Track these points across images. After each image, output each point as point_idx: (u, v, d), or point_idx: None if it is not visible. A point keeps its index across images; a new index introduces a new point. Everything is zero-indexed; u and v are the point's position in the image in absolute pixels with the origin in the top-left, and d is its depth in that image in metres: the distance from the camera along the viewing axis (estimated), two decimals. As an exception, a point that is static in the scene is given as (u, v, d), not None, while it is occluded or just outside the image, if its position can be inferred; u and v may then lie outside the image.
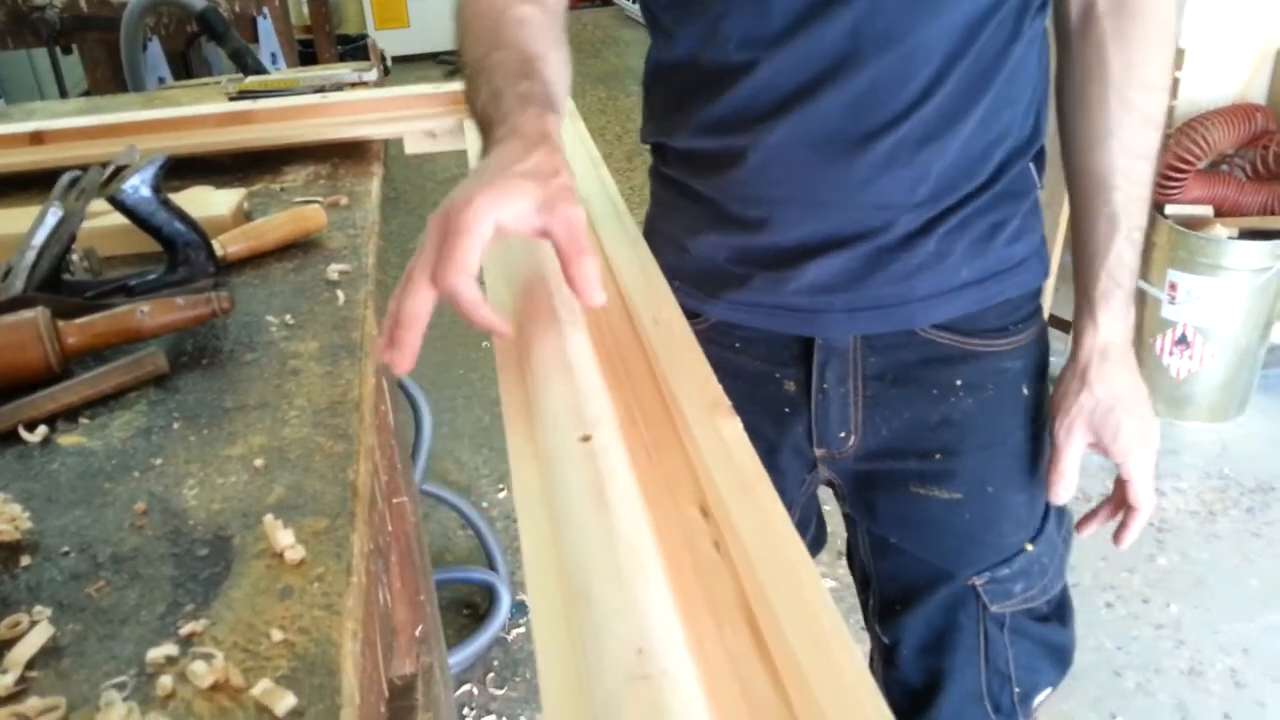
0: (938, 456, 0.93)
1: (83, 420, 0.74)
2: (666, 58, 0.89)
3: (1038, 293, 0.95)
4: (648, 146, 0.99)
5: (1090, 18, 0.86)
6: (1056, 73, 0.91)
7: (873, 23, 0.76)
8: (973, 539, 0.96)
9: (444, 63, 7.11)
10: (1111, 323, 0.90)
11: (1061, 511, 1.01)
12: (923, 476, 0.95)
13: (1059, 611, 1.02)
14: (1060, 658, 1.02)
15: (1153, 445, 0.93)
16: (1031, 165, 0.90)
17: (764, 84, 0.80)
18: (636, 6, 0.94)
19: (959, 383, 0.91)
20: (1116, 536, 0.98)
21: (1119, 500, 0.97)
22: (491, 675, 1.96)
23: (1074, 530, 1.03)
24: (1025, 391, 0.94)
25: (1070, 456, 0.94)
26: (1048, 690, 1.02)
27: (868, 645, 1.15)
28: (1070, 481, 0.95)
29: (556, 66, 0.78)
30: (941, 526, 0.96)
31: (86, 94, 3.12)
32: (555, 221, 0.61)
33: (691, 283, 0.93)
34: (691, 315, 0.74)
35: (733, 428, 0.61)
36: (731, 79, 0.82)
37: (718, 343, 0.93)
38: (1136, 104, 0.85)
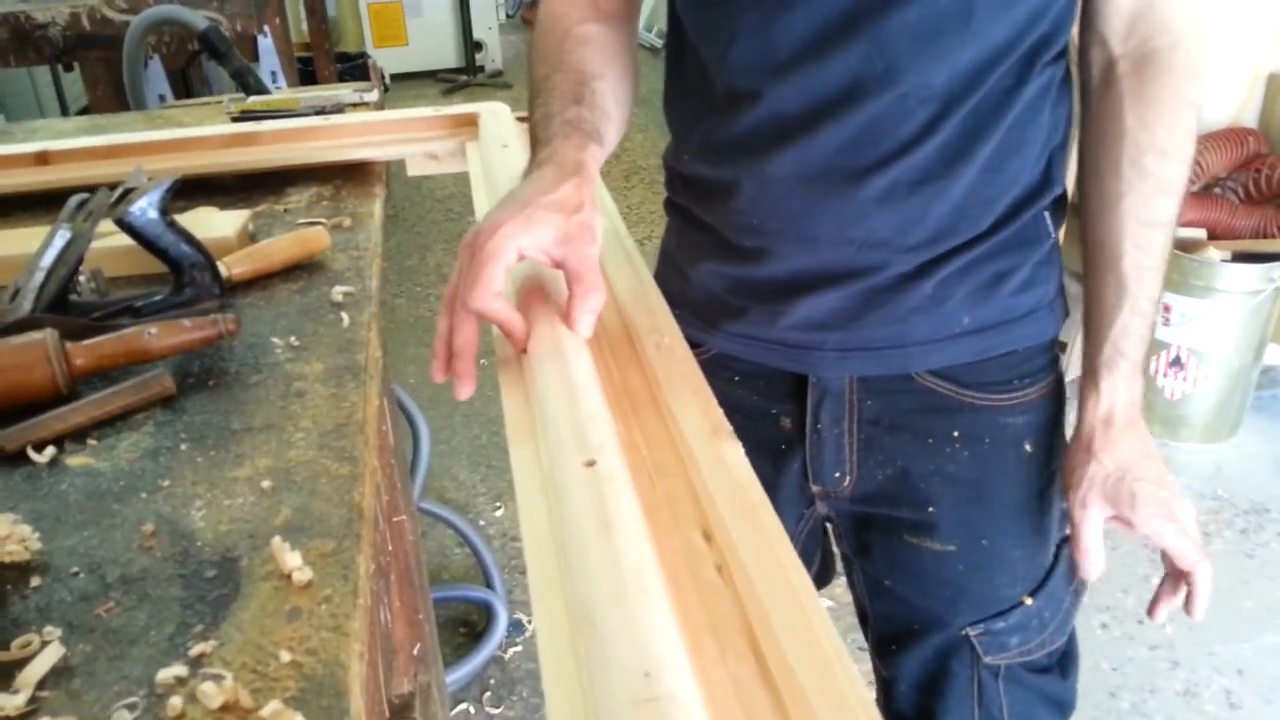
0: (930, 509, 0.92)
1: (90, 441, 0.74)
2: (683, 79, 0.90)
3: (1049, 345, 0.92)
4: (646, 166, 1.00)
5: (1111, 78, 0.84)
6: (1080, 129, 0.89)
7: (874, 62, 0.75)
8: (965, 590, 0.94)
9: (442, 80, 7.14)
10: (1115, 392, 0.87)
11: (1075, 565, 0.97)
12: (915, 526, 0.93)
13: (1062, 663, 0.99)
14: (1060, 708, 1.00)
15: (1181, 510, 0.88)
16: (1046, 214, 0.88)
17: (765, 114, 0.81)
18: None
19: (955, 434, 0.89)
20: (1187, 608, 0.91)
21: (1172, 570, 0.92)
22: (488, 694, 1.96)
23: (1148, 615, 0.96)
24: (1028, 448, 0.91)
25: (1089, 532, 0.90)
26: None
27: (865, 665, 1.16)
28: (1096, 557, 0.90)
29: (613, 84, 0.84)
30: (933, 576, 0.95)
31: (85, 111, 3.13)
32: (571, 256, 0.67)
33: (693, 311, 0.93)
34: (693, 345, 0.74)
35: (734, 452, 0.62)
36: (736, 106, 0.82)
37: (717, 375, 0.92)
38: (1151, 170, 0.83)
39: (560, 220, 0.67)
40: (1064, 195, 0.89)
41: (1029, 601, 0.95)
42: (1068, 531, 0.97)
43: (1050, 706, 0.99)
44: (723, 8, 0.80)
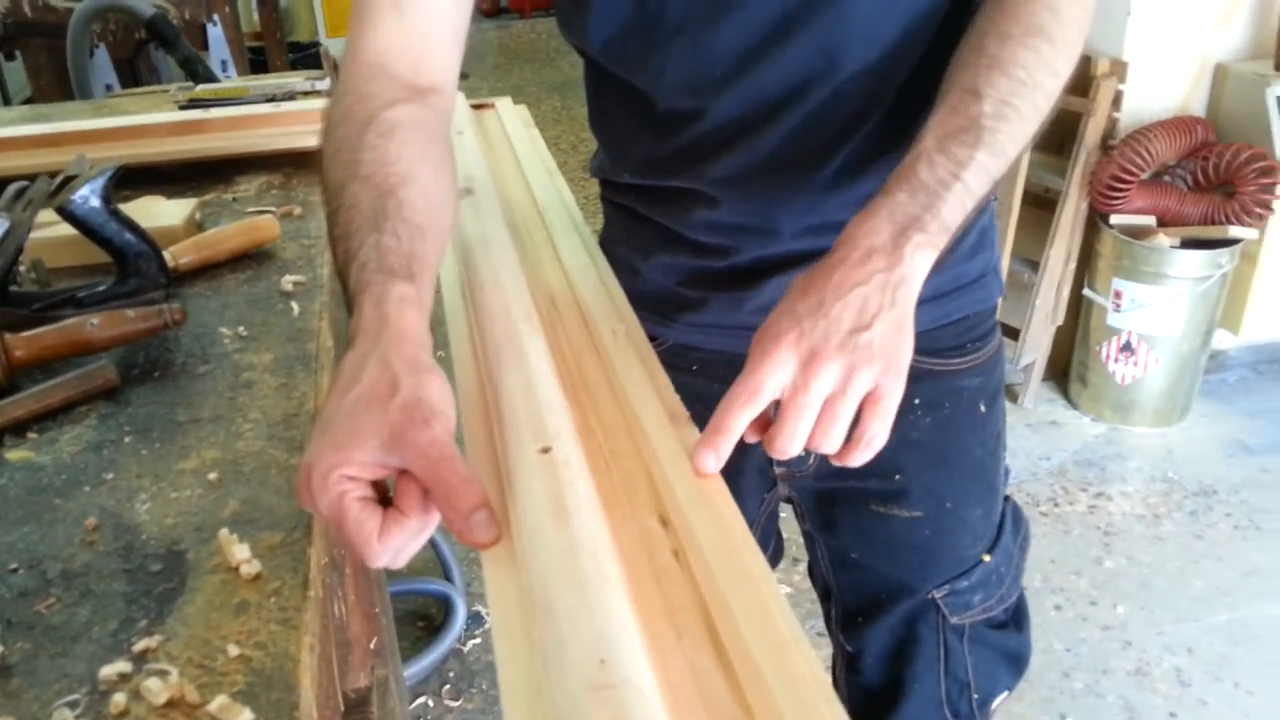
0: (897, 477, 0.94)
1: (31, 435, 0.72)
2: (610, 104, 0.89)
3: (994, 310, 0.95)
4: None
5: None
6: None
7: (817, 60, 0.76)
8: (932, 554, 0.97)
9: (397, 71, 7.05)
10: (865, 220, 0.69)
11: (1017, 520, 1.02)
12: (883, 495, 0.95)
13: (1016, 618, 1.03)
14: (1016, 662, 1.03)
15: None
16: None
17: (709, 126, 0.81)
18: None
19: (917, 402, 0.91)
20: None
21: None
22: (447, 687, 1.94)
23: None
24: (982, 409, 0.94)
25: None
26: (1004, 694, 1.04)
27: (825, 650, 1.16)
28: None
29: (425, 187, 0.67)
30: (901, 543, 0.96)
31: (29, 101, 3.05)
32: (409, 456, 0.51)
33: (646, 306, 0.90)
34: (649, 339, 0.74)
35: (691, 436, 0.61)
36: (677, 124, 0.82)
37: (674, 366, 0.91)
38: (989, 50, 0.70)
39: (377, 419, 0.52)
40: None
41: (987, 559, 0.98)
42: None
43: (1009, 663, 1.03)
44: (642, 42, 0.79)
